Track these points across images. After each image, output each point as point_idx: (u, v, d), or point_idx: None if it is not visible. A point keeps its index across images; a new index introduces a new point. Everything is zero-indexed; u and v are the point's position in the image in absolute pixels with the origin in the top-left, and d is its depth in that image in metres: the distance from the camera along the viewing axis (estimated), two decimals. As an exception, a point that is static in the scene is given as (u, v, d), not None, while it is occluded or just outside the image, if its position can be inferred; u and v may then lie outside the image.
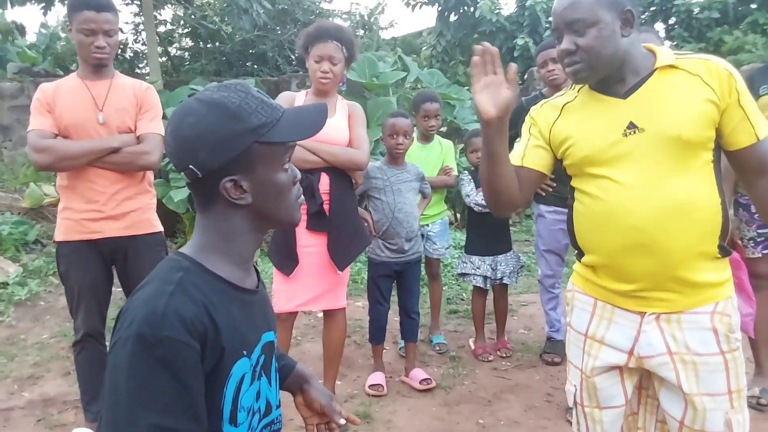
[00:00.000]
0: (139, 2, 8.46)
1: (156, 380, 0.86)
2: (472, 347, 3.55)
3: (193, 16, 8.53)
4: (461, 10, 10.46)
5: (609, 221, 1.45)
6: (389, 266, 3.04)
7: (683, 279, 1.41)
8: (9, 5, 8.13)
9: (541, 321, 3.65)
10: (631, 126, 1.43)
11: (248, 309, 1.03)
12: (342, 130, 2.63)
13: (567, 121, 1.56)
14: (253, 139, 0.95)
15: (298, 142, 2.55)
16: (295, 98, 2.66)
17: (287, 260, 2.59)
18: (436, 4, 10.62)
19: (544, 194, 3.12)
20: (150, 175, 2.52)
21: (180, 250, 1.02)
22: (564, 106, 1.59)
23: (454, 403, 2.97)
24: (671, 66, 1.44)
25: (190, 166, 0.95)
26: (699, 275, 1.42)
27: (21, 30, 9.04)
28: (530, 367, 3.36)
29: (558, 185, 3.03)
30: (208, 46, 9.96)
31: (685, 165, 1.40)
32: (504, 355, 3.47)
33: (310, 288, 2.61)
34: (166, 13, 9.99)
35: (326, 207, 2.59)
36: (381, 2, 11.62)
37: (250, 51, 9.91)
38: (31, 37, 10.74)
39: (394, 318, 3.39)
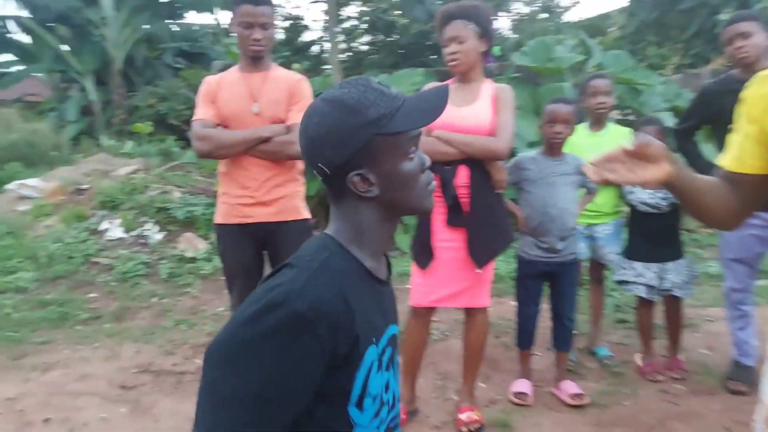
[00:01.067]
0: (326, 0, 8.92)
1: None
2: (639, 364, 3.14)
3: (372, 10, 8.78)
4: (657, -15, 9.43)
5: None
6: (538, 266, 2.80)
7: None
8: (218, 9, 9.09)
9: (728, 341, 3.11)
10: None
11: (379, 298, 1.04)
12: (484, 116, 2.43)
13: None
14: (374, 131, 0.95)
15: (433, 134, 2.44)
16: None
17: (423, 254, 2.51)
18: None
19: None
20: (300, 164, 2.58)
21: (326, 231, 1.03)
22: None
23: (608, 424, 2.65)
24: None
25: (319, 164, 0.97)
26: None
27: (225, 31, 10.10)
28: (708, 394, 2.88)
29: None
30: (388, 39, 10.22)
31: None
32: (677, 376, 3.03)
33: (447, 284, 2.50)
34: (350, 9, 10.44)
35: (465, 202, 2.44)
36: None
37: (426, 42, 9.96)
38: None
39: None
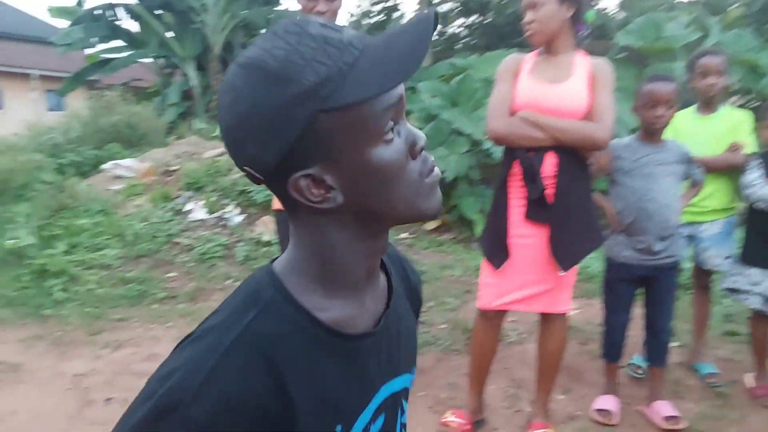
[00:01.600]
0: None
1: None
2: (750, 385, 2.71)
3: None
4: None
5: None
6: (632, 270, 2.44)
7: None
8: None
9: None
10: None
11: (356, 361, 0.72)
12: (579, 95, 2.09)
13: None
14: (314, 106, 0.60)
15: (519, 114, 2.15)
16: (522, 62, 2.20)
17: (497, 251, 2.22)
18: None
19: None
20: None
21: (273, 264, 0.72)
22: None
23: (708, 455, 2.28)
24: None
25: (245, 167, 0.66)
26: None
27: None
28: (835, 429, 2.41)
29: None
30: (482, 20, 9.81)
31: None
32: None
33: (522, 285, 2.20)
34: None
35: (550, 194, 2.12)
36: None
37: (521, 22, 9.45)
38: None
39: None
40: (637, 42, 5.59)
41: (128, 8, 11.38)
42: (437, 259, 4.59)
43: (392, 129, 0.64)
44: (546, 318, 2.31)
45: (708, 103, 2.70)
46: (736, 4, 10.12)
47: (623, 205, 2.41)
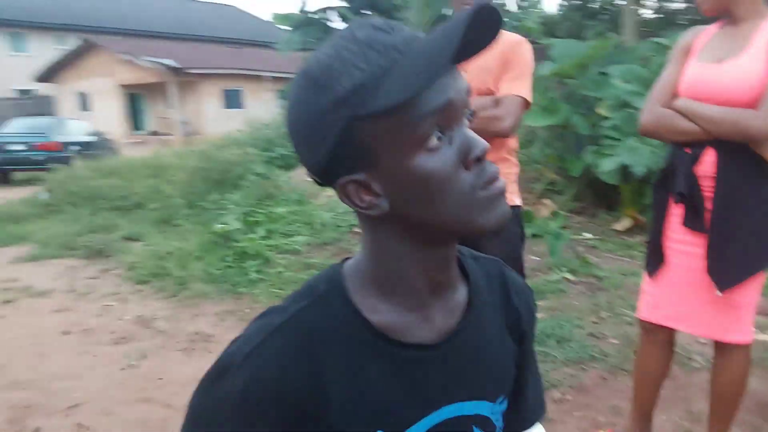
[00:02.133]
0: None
1: None
2: None
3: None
4: None
5: None
6: None
7: None
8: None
9: None
10: None
11: (409, 371, 0.70)
12: (747, 74, 1.69)
13: None
14: (348, 113, 0.60)
15: (674, 104, 1.84)
16: (697, 37, 1.85)
17: (651, 255, 1.95)
18: None
19: None
20: (511, 142, 2.23)
21: (347, 261, 0.74)
22: None
23: None
24: None
25: (306, 170, 0.69)
26: None
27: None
28: None
29: None
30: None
31: None
32: None
33: (677, 300, 1.89)
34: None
35: (708, 198, 1.78)
36: None
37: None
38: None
39: None
40: None
41: (338, 10, 12.27)
42: (621, 264, 4.16)
43: (440, 137, 0.61)
44: (719, 347, 1.94)
45: None
46: None
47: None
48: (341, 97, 0.59)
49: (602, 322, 3.39)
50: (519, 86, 2.03)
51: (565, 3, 10.62)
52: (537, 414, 0.87)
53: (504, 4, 10.24)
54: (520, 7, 11.20)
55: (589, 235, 4.81)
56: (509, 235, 2.06)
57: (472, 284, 0.75)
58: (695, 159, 1.78)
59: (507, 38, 2.08)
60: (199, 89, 22.76)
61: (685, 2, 10.19)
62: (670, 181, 1.85)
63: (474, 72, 2.05)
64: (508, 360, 0.79)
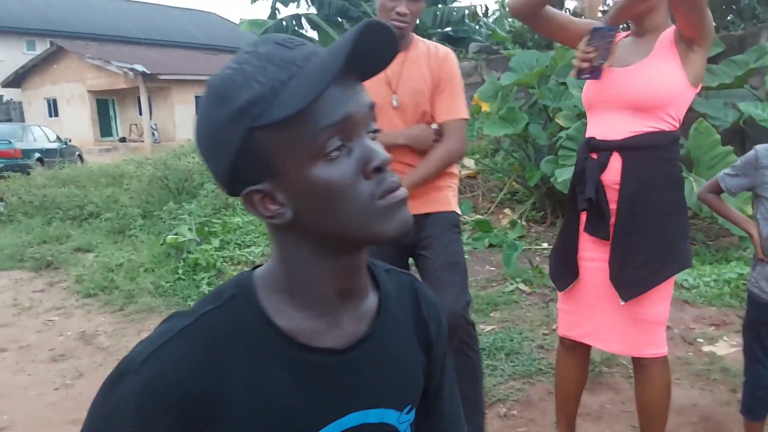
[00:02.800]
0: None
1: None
2: None
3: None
4: None
5: None
6: (784, 311, 1.91)
7: None
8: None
9: None
10: None
11: (316, 376, 0.70)
12: (649, 81, 1.72)
13: None
14: (247, 124, 0.63)
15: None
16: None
17: (561, 271, 1.92)
18: None
19: None
20: None
21: (258, 267, 0.75)
22: None
23: None
24: None
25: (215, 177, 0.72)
26: None
27: (483, 11, 9.80)
28: None
29: None
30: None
31: None
32: None
33: (591, 317, 1.88)
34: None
35: (613, 206, 1.77)
36: None
37: (732, 5, 8.21)
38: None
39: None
40: None
41: (310, 18, 12.19)
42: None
43: (339, 147, 0.63)
44: (636, 363, 1.91)
45: None
46: None
47: (773, 229, 1.89)
48: (241, 109, 0.62)
49: (553, 334, 3.35)
50: (455, 107, 2.01)
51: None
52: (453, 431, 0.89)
53: (475, 14, 10.28)
54: (486, 16, 11.25)
55: (546, 245, 4.79)
56: (448, 241, 2.01)
57: (382, 293, 0.77)
58: (603, 166, 1.77)
59: (433, 54, 2.02)
60: (170, 95, 22.49)
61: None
62: (580, 191, 1.82)
63: (407, 96, 2.01)
64: (417, 370, 0.80)
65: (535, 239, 4.91)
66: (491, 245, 4.59)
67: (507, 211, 5.35)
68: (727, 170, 2.03)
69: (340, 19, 12.23)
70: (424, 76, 1.99)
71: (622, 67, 1.77)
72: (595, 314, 1.87)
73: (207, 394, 0.65)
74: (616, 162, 1.76)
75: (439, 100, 1.99)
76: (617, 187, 1.76)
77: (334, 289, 0.71)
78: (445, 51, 2.04)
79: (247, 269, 0.74)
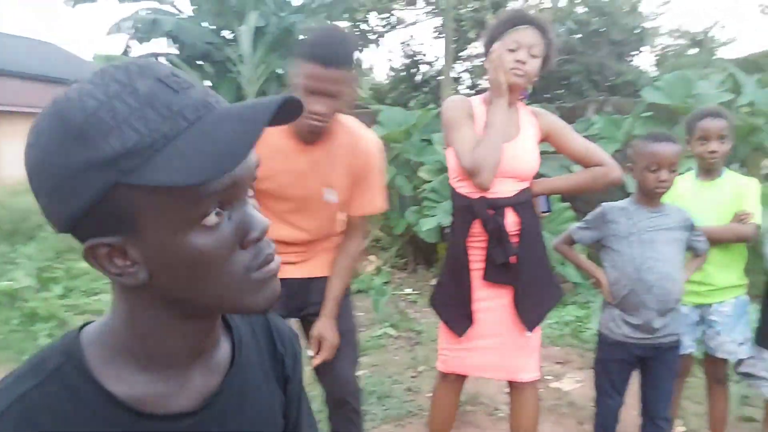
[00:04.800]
0: (443, 35, 8.71)
1: None
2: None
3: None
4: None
5: None
6: (628, 349, 2.16)
7: None
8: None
9: None
10: None
11: None
12: (531, 153, 2.01)
13: None
14: (112, 178, 0.52)
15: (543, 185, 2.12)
16: (472, 103, 2.05)
17: (459, 317, 2.04)
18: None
19: None
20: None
21: (86, 326, 0.65)
22: None
23: None
24: None
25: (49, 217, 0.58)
26: None
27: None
28: None
29: None
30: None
31: None
32: None
33: (485, 352, 2.04)
34: (474, 49, 10.15)
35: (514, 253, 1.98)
36: (720, 18, 9.75)
37: (554, 76, 9.36)
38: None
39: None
40: (665, 100, 5.36)
41: (169, 59, 11.80)
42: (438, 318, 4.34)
43: (219, 212, 0.56)
44: (515, 388, 2.11)
45: (708, 170, 2.38)
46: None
47: (618, 275, 2.15)
48: (108, 159, 0.51)
49: (420, 376, 3.45)
50: (370, 202, 1.94)
51: (392, 74, 11.34)
52: None
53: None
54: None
55: (409, 290, 4.98)
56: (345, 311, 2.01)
57: (235, 338, 0.71)
58: (503, 220, 1.96)
59: (357, 148, 1.87)
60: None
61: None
62: (494, 246, 1.97)
63: (328, 190, 1.88)
64: (276, 413, 0.76)
65: (399, 285, 5.08)
66: (359, 291, 4.66)
67: (372, 258, 5.48)
68: (578, 224, 2.30)
69: (201, 62, 11.99)
70: (343, 165, 1.86)
71: (504, 141, 1.96)
72: (487, 349, 2.03)
73: None
74: (511, 216, 1.97)
75: (356, 195, 1.90)
76: (516, 237, 1.97)
77: (187, 349, 0.64)
78: (370, 146, 1.90)
79: (95, 318, 0.66)
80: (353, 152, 1.86)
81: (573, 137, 2.06)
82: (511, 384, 2.11)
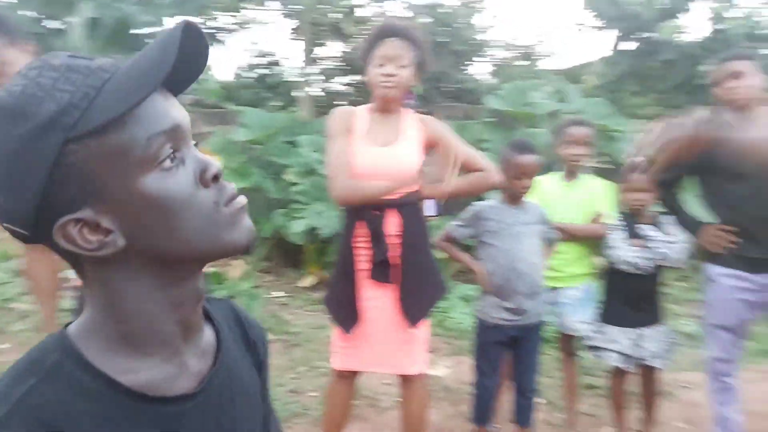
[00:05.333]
0: (303, 38, 8.77)
1: None
2: (610, 440, 2.78)
3: (345, 52, 8.65)
4: (639, 36, 9.40)
5: None
6: (504, 331, 2.44)
7: None
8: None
9: (708, 414, 2.74)
10: None
11: (175, 427, 0.63)
12: (410, 157, 2.13)
13: None
14: (60, 136, 0.54)
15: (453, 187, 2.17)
16: (354, 117, 2.18)
17: (347, 316, 2.15)
18: (613, 30, 9.69)
19: (723, 251, 2.34)
20: None
21: (69, 326, 0.64)
22: None
23: None
24: None
25: (4, 224, 0.58)
26: None
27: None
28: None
29: (745, 242, 2.23)
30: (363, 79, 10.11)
31: None
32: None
33: (374, 347, 2.16)
34: (327, 50, 10.31)
35: (395, 254, 2.09)
36: (543, 33, 10.94)
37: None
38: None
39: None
40: (506, 107, 5.92)
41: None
42: (312, 319, 4.40)
43: (172, 157, 0.58)
44: (404, 380, 2.25)
45: (572, 171, 2.77)
46: (591, 76, 11.23)
47: (494, 266, 2.41)
48: (47, 121, 0.53)
49: (301, 377, 3.50)
50: None
51: (242, 73, 11.11)
52: None
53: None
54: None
55: (279, 293, 4.98)
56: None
57: (217, 325, 0.73)
58: (382, 221, 2.08)
59: None
60: None
61: (345, 85, 11.71)
62: (376, 244, 2.08)
63: None
64: (258, 395, 0.79)
65: (268, 288, 5.05)
66: (228, 297, 4.57)
67: (236, 262, 5.39)
68: (455, 223, 2.53)
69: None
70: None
71: (382, 146, 2.10)
72: (375, 344, 2.13)
73: None
74: (394, 217, 2.08)
75: None
76: (399, 238, 2.08)
77: (176, 323, 0.64)
78: None
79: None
80: None
81: (457, 143, 2.25)
82: (402, 378, 2.24)
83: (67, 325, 0.64)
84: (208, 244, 0.61)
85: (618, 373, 2.69)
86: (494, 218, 2.43)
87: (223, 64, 10.78)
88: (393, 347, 2.15)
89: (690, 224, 2.53)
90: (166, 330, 0.64)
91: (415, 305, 2.14)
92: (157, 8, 10.12)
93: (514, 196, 2.44)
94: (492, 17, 10.49)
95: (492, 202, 2.52)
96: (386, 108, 2.14)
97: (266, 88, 9.94)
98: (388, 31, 2.10)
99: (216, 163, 0.62)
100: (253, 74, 10.35)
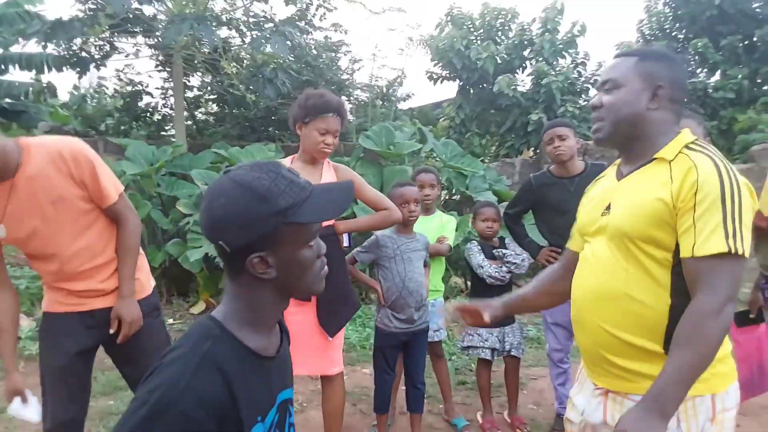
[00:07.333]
0: (169, 69, 8.85)
1: None
2: (480, 421, 3.48)
3: (220, 84, 8.89)
4: (481, 86, 10.77)
5: (573, 291, 1.60)
6: (398, 337, 3.03)
7: (612, 362, 1.45)
8: (46, 69, 8.54)
9: (552, 396, 3.58)
10: (608, 207, 1.52)
11: (267, 375, 1.09)
12: None
13: (587, 193, 1.71)
14: (280, 220, 0.99)
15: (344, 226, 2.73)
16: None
17: None
18: (458, 80, 10.96)
19: (548, 264, 3.15)
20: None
21: (212, 314, 1.08)
22: (599, 179, 1.71)
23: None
24: (664, 159, 1.43)
25: (220, 242, 1.01)
26: (631, 364, 1.43)
27: (52, 90, 9.39)
28: (538, 445, 3.27)
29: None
30: (234, 111, 10.31)
31: (631, 257, 1.41)
32: (522, 431, 3.41)
33: (300, 354, 2.53)
34: (195, 80, 10.42)
35: None
36: (400, 75, 11.99)
37: (273, 117, 10.23)
38: (63, 97, 11.22)
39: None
40: (375, 147, 6.63)
41: None
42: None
43: (313, 239, 1.07)
44: (325, 380, 2.75)
45: (425, 208, 3.45)
46: (442, 118, 12.48)
47: (389, 285, 3.00)
48: (280, 210, 0.99)
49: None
50: (108, 187, 2.15)
51: (110, 101, 10.74)
52: None
53: (41, 93, 9.65)
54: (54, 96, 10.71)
55: (171, 321, 5.17)
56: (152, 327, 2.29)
57: (280, 322, 1.20)
58: None
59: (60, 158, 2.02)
60: None
61: (212, 114, 11.77)
62: None
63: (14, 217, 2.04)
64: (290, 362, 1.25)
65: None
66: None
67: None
68: (358, 249, 3.11)
69: None
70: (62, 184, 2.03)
71: None
72: (300, 350, 2.47)
73: (228, 400, 0.96)
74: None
75: (94, 189, 2.08)
76: None
77: (275, 318, 1.11)
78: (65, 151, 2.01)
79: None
80: (55, 165, 2.00)
81: (367, 188, 2.77)
82: (323, 378, 2.75)
83: (211, 314, 1.07)
84: (310, 289, 1.10)
85: (484, 366, 3.42)
86: (390, 245, 3.05)
87: (84, 90, 10.32)
88: (315, 353, 2.64)
89: (530, 246, 3.37)
90: (271, 321, 1.10)
91: (333, 320, 2.66)
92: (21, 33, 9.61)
93: (404, 225, 3.06)
94: (354, 61, 11.23)
95: (388, 231, 3.14)
96: (314, 161, 2.70)
97: (134, 117, 9.80)
98: (331, 108, 2.62)
99: (324, 246, 1.11)
100: (118, 103, 10.14)
